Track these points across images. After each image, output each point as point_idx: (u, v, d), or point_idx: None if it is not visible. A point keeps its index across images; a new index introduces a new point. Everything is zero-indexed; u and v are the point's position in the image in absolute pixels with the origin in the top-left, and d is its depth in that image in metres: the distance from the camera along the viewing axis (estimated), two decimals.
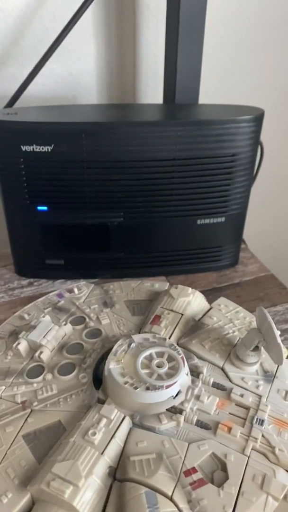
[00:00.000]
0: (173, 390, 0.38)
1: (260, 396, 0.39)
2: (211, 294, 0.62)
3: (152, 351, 0.40)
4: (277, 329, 0.46)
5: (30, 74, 0.63)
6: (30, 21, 0.66)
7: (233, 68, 0.81)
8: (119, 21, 0.70)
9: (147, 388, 0.37)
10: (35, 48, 0.68)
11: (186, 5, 0.58)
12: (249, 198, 0.62)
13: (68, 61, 0.70)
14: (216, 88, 0.81)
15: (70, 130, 0.52)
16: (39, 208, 0.57)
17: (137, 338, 0.42)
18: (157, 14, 0.71)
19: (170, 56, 0.64)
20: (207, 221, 0.61)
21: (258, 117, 0.55)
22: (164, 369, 0.39)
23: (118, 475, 0.34)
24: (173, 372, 0.38)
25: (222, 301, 0.51)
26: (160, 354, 0.40)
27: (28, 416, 0.38)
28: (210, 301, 0.54)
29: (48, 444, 0.36)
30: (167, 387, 0.37)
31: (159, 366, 0.39)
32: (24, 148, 0.53)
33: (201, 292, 0.62)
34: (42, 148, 0.53)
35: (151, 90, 0.77)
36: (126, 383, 0.37)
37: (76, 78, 0.72)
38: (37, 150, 0.53)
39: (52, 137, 0.52)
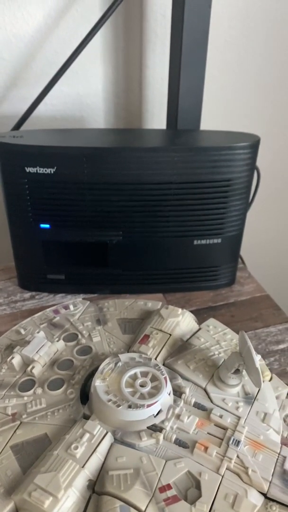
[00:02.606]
0: (154, 409, 0.40)
1: (239, 418, 0.41)
2: (206, 313, 0.64)
3: (137, 370, 0.42)
4: (268, 350, 0.48)
5: (40, 95, 0.66)
6: (41, 45, 0.69)
7: (237, 90, 0.84)
8: (126, 45, 0.73)
9: (129, 406, 0.39)
10: (45, 71, 0.71)
11: (189, 34, 0.61)
12: (245, 221, 0.64)
13: (76, 83, 0.73)
14: (219, 111, 0.83)
15: (72, 154, 0.55)
16: (42, 226, 0.60)
17: (124, 357, 0.44)
18: (163, 39, 0.73)
19: (173, 83, 0.66)
20: (203, 241, 0.63)
21: (254, 144, 0.57)
22: (147, 389, 0.41)
23: (96, 488, 0.36)
24: (155, 392, 0.40)
25: (211, 322, 0.52)
26: (144, 374, 0.42)
27: (17, 428, 0.40)
28: (204, 319, 0.55)
29: (34, 455, 0.38)
30: (148, 406, 0.39)
31: (142, 385, 0.41)
32: (28, 169, 0.55)
33: (197, 310, 0.64)
34: (45, 170, 0.55)
35: (157, 112, 0.79)
36: (109, 400, 0.39)
37: (84, 99, 0.75)
38: (41, 171, 0.55)
39: (55, 160, 0.55)
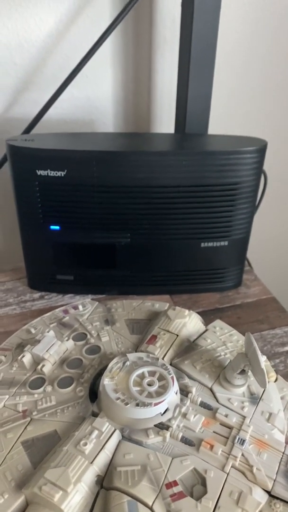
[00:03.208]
0: (161, 408, 0.40)
1: (244, 417, 0.42)
2: (212, 314, 0.65)
3: (145, 369, 0.43)
4: (274, 352, 0.49)
5: (50, 99, 0.67)
6: (52, 50, 0.70)
7: (245, 95, 0.84)
8: (135, 50, 0.74)
9: (137, 405, 0.40)
10: (56, 75, 0.72)
11: (198, 39, 0.61)
12: (252, 224, 0.65)
13: (86, 87, 0.74)
14: (227, 115, 0.84)
15: (82, 158, 0.56)
16: (52, 227, 0.61)
17: (132, 356, 0.45)
18: (172, 44, 0.74)
19: (181, 88, 0.67)
20: (210, 244, 0.64)
21: (261, 149, 0.58)
22: (154, 388, 0.42)
23: (105, 484, 0.37)
24: (162, 391, 0.41)
25: (217, 324, 0.53)
26: (152, 373, 0.43)
27: (27, 424, 0.41)
28: (211, 321, 0.56)
29: (44, 451, 0.39)
30: (156, 404, 0.40)
31: (149, 384, 0.42)
32: (39, 172, 0.57)
33: (203, 312, 0.65)
34: (56, 173, 0.57)
35: (166, 116, 0.80)
36: (118, 398, 0.40)
37: (93, 102, 0.76)
38: (51, 174, 0.57)
39: (65, 163, 0.56)
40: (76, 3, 0.67)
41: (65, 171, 0.56)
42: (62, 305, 0.59)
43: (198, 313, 0.62)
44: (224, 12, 0.71)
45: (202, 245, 0.64)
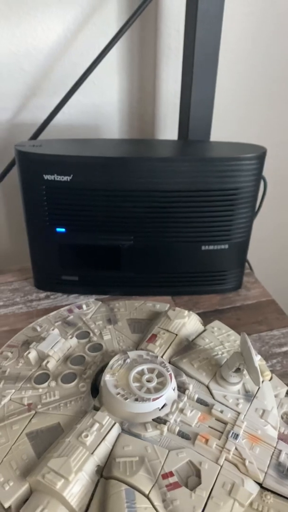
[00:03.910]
0: (159, 403, 0.43)
1: (238, 413, 0.44)
2: (212, 316, 0.67)
3: (144, 367, 0.45)
4: (272, 352, 0.50)
5: (58, 105, 0.70)
6: (59, 57, 0.72)
7: (247, 102, 0.86)
8: (141, 58, 0.76)
9: (136, 400, 0.42)
10: (63, 82, 0.74)
11: (201, 48, 0.63)
12: (252, 228, 0.67)
13: (92, 93, 0.77)
14: (229, 122, 0.86)
15: (87, 163, 0.58)
16: (58, 229, 0.64)
17: (132, 354, 0.47)
18: (177, 52, 0.76)
19: (185, 95, 0.69)
20: (211, 247, 0.66)
21: (260, 156, 0.60)
22: (153, 384, 0.44)
23: (104, 473, 0.39)
24: (160, 387, 0.43)
25: (216, 324, 0.55)
26: (151, 370, 0.45)
27: (32, 417, 0.44)
28: (211, 321, 0.58)
29: (48, 442, 0.41)
30: (154, 399, 0.42)
31: (148, 380, 0.44)
32: (46, 177, 0.59)
33: (204, 313, 0.67)
34: (62, 178, 0.59)
35: (170, 122, 0.82)
36: (118, 393, 0.43)
37: (99, 108, 0.78)
38: (58, 179, 0.59)
39: (71, 169, 0.58)
40: (84, 11, 0.69)
41: (71, 175, 0.59)
42: (67, 305, 0.61)
43: (199, 314, 0.64)
44: (227, 21, 0.74)
45: (203, 248, 0.66)
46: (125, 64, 0.76)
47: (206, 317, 0.65)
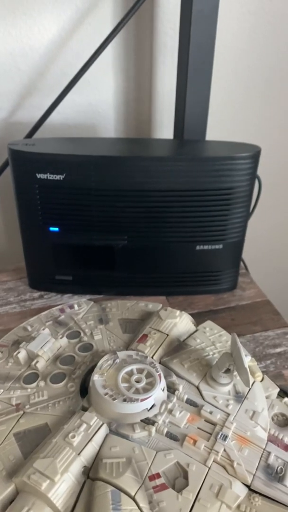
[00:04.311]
0: (147, 403, 0.42)
1: (228, 414, 0.44)
2: (207, 316, 0.67)
3: (134, 367, 0.45)
4: (266, 353, 0.50)
5: (53, 104, 0.69)
6: (55, 56, 0.72)
7: (243, 101, 0.86)
8: (136, 57, 0.76)
9: (124, 400, 0.42)
10: (58, 81, 0.74)
11: (195, 47, 0.63)
12: (247, 228, 0.66)
13: (88, 92, 0.76)
14: (225, 121, 0.86)
15: (80, 162, 0.58)
16: (51, 229, 0.63)
17: (122, 354, 0.47)
18: (172, 51, 0.76)
19: (180, 94, 0.69)
20: (205, 247, 0.65)
21: (254, 155, 0.60)
22: (142, 384, 0.43)
23: (91, 474, 0.38)
24: (149, 388, 0.43)
25: (208, 324, 0.55)
26: (140, 370, 0.45)
27: (20, 417, 0.43)
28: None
29: (35, 443, 0.41)
30: (142, 400, 0.42)
31: (137, 381, 0.44)
32: (39, 176, 0.59)
33: (198, 313, 0.67)
34: (55, 177, 0.59)
35: (166, 121, 0.82)
36: (106, 394, 0.42)
37: (95, 108, 0.78)
38: (51, 178, 0.59)
39: (64, 167, 0.58)
40: (79, 11, 0.69)
41: (64, 174, 0.58)
42: (60, 304, 0.61)
43: (193, 314, 0.64)
44: (222, 20, 0.73)
45: (197, 248, 0.65)
46: (120, 63, 0.75)
47: (201, 318, 0.65)
